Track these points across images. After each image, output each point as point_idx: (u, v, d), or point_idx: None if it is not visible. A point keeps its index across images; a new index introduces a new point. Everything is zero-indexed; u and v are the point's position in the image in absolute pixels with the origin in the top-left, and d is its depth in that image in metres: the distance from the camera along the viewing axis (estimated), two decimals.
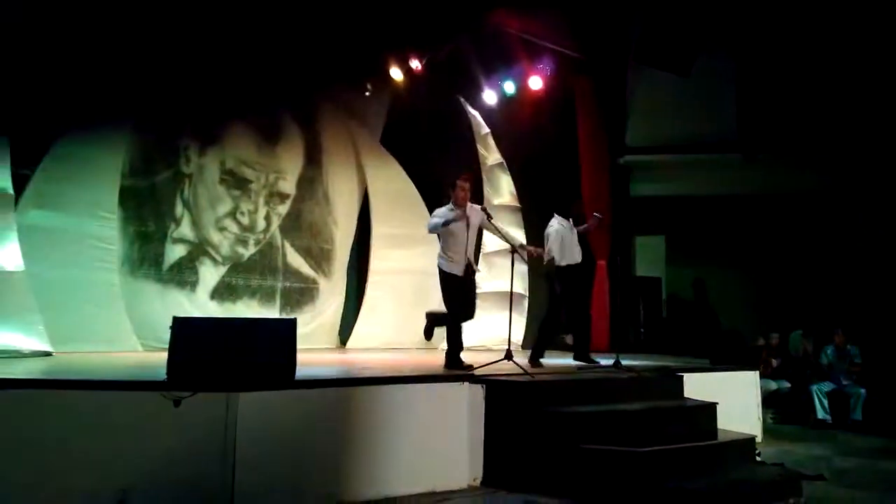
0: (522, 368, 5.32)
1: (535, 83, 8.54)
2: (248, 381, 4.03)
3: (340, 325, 8.79)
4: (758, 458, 5.19)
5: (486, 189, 8.98)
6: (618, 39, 9.24)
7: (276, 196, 8.34)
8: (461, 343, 5.72)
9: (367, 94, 8.79)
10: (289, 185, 8.47)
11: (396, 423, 4.51)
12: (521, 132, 9.24)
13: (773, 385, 8.11)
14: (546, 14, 8.15)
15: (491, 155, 9.17)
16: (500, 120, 9.19)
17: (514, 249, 5.78)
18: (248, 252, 8.08)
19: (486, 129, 9.20)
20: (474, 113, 9.21)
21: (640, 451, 4.42)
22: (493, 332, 7.87)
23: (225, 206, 7.91)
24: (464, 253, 5.68)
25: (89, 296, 6.50)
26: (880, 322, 8.65)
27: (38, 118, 6.28)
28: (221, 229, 7.87)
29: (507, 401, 4.81)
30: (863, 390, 7.74)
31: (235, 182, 8.00)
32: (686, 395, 5.65)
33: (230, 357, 4.06)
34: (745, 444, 5.07)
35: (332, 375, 5.04)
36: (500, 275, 8.22)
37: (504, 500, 4.45)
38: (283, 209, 8.41)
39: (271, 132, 8.34)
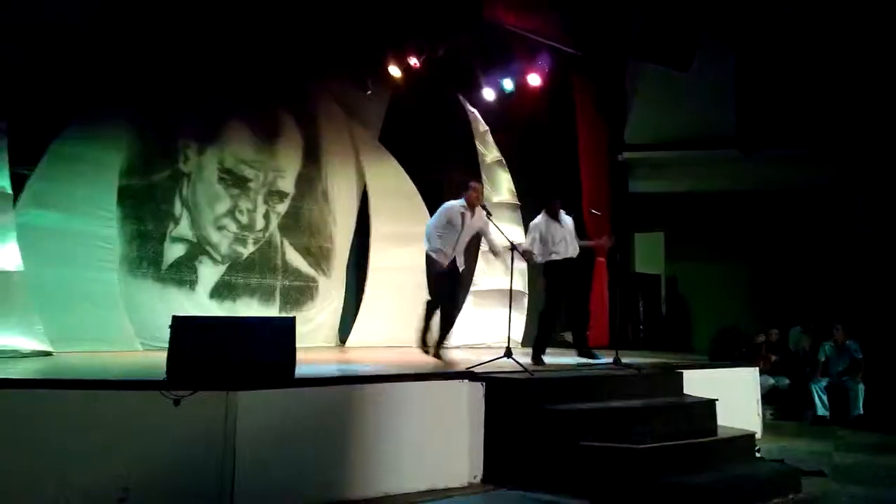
0: (522, 366, 5.31)
1: (534, 80, 8.52)
2: (247, 380, 4.03)
3: (340, 324, 8.76)
4: (758, 455, 5.21)
5: (486, 186, 8.97)
6: (616, 35, 9.20)
7: (274, 195, 8.32)
8: (429, 326, 6.04)
9: (368, 93, 8.77)
10: (288, 184, 8.44)
11: (396, 421, 4.51)
12: (520, 129, 9.23)
13: (772, 381, 8.12)
14: (544, 10, 8.14)
15: (490, 152, 9.16)
16: (499, 117, 9.17)
17: (513, 247, 5.79)
18: (247, 251, 8.06)
19: (484, 127, 9.18)
20: (473, 110, 9.19)
21: (640, 447, 4.42)
22: (493, 330, 7.86)
23: (224, 205, 7.88)
24: (453, 248, 6.01)
25: (89, 295, 6.47)
26: (879, 318, 8.66)
27: (37, 118, 6.25)
28: (220, 228, 7.85)
29: (506, 398, 4.82)
30: (861, 385, 7.76)
31: (234, 181, 7.97)
32: (686, 391, 5.67)
33: (230, 356, 4.06)
34: (745, 441, 5.07)
35: (332, 374, 5.05)
36: (498, 273, 8.23)
37: (504, 497, 4.46)
38: (282, 208, 8.39)
39: (270, 131, 8.30)
